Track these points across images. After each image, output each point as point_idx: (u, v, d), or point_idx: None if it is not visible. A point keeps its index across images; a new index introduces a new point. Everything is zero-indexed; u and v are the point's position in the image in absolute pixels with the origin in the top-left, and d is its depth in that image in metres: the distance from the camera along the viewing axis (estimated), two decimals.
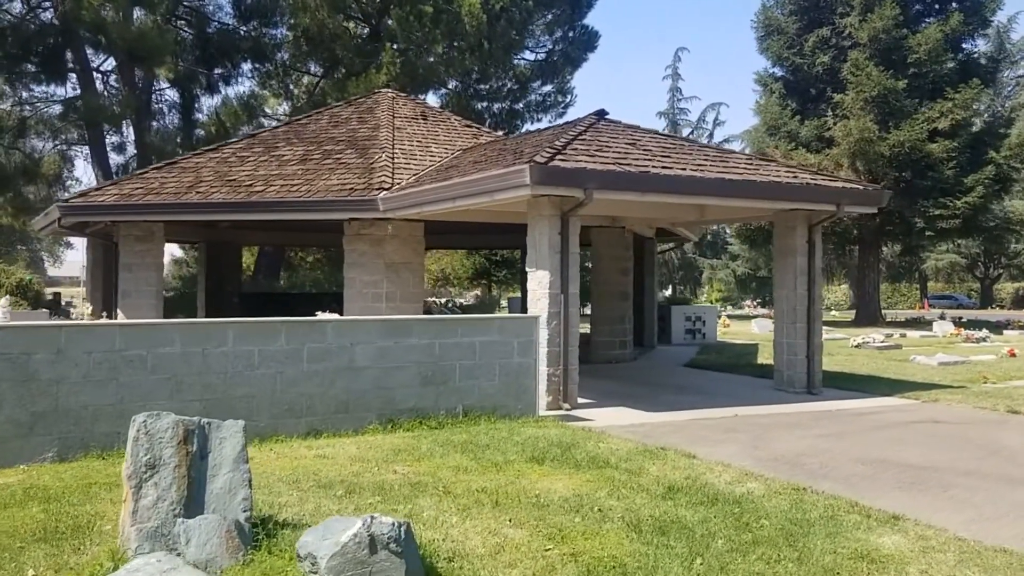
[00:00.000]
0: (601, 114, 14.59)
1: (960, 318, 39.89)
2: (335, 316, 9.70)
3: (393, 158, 16.09)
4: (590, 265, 18.23)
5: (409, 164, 16.10)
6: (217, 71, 36.01)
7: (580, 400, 12.18)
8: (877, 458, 8.41)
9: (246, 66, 36.79)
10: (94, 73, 31.86)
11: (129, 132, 32.18)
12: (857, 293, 35.97)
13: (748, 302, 65.29)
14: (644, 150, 12.70)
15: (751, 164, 13.26)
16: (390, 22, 30.38)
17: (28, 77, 28.99)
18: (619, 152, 12.22)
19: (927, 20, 31.49)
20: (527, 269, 11.79)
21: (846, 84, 30.73)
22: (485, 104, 37.56)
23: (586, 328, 18.28)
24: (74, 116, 27.84)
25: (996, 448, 8.99)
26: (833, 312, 47.55)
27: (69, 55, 30.66)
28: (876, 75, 29.28)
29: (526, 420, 9.98)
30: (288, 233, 25.06)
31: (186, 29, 34.72)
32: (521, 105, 37.07)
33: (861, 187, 13.40)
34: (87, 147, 32.47)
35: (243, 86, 48.35)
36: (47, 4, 28.29)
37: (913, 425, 10.54)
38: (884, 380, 15.16)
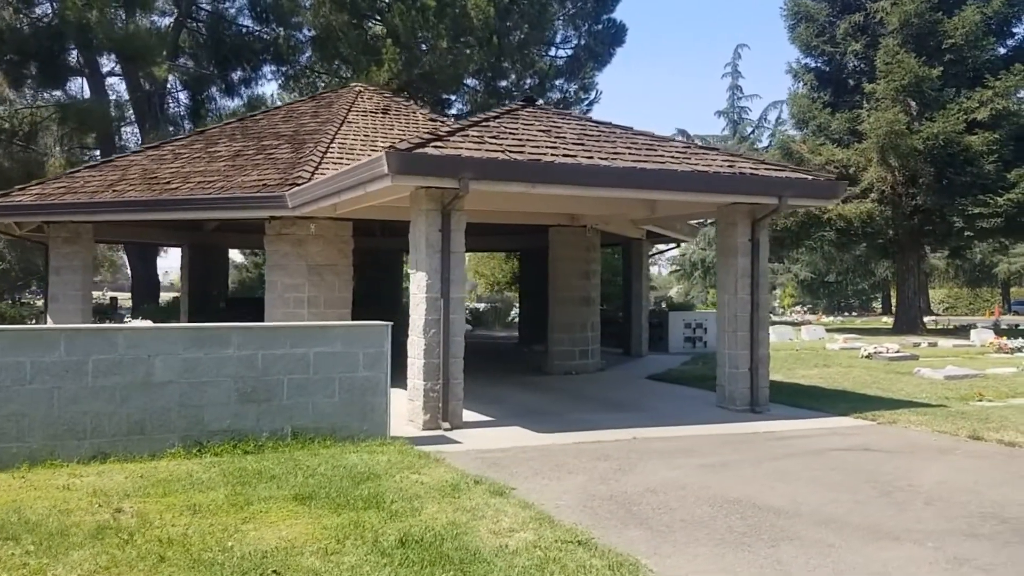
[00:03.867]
0: (530, 101, 13.35)
1: (1017, 325, 37.08)
2: (135, 324, 8.61)
3: (325, 152, 14.97)
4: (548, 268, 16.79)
5: (343, 159, 14.94)
6: (238, 73, 35.58)
7: (477, 417, 10.99)
8: (738, 497, 6.92)
9: (267, 68, 36.37)
10: (104, 77, 31.67)
11: (136, 136, 31.86)
12: (896, 299, 33.54)
13: (798, 307, 62.53)
14: (557, 137, 11.33)
15: (684, 153, 11.75)
16: (394, 18, 29.30)
17: (34, 80, 28.79)
18: (522, 139, 10.87)
19: (965, 3, 28.95)
20: (409, 271, 10.53)
21: (877, 73, 28.57)
22: (505, 102, 36.29)
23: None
24: (73, 120, 27.49)
25: (898, 487, 7.38)
26: (885, 319, 44.81)
27: (80, 58, 30.56)
28: (908, 62, 27.05)
29: (370, 443, 8.72)
30: None
31: (201, 31, 34.35)
32: (540, 103, 35.66)
33: (809, 177, 11.76)
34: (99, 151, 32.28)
35: (263, 88, 48.14)
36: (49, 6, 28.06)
37: (831, 453, 8.95)
38: (857, 396, 13.46)
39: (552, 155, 10.35)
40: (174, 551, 5.23)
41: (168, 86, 33.88)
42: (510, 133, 11.08)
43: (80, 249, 15.58)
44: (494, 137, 10.70)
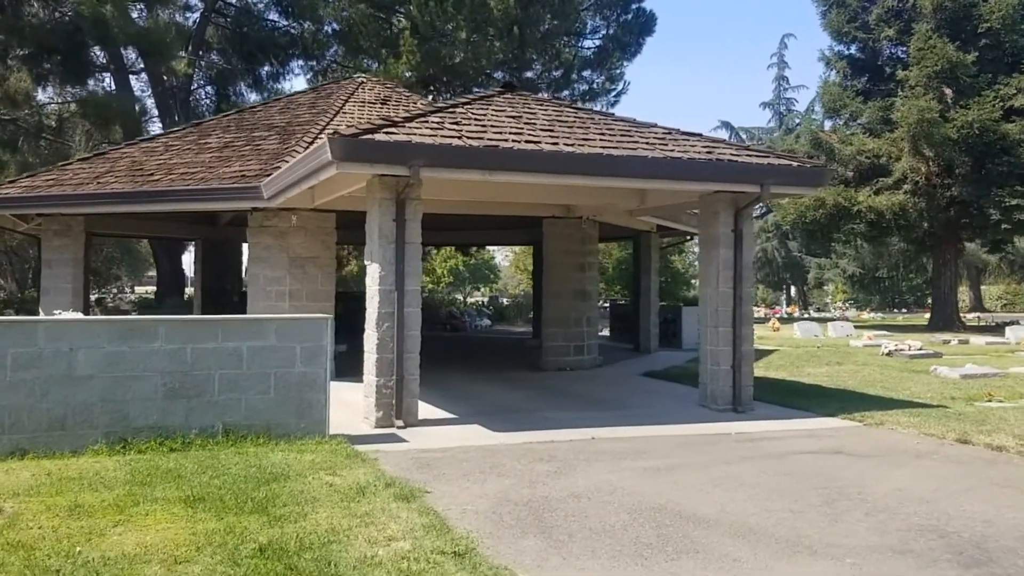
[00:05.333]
0: (509, 87, 12.91)
1: None
2: (60, 316, 8.36)
3: (311, 143, 14.64)
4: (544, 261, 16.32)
5: None
6: (266, 68, 35.65)
7: (441, 415, 10.65)
8: (664, 504, 6.43)
9: (295, 63, 36.39)
10: (130, 73, 31.87)
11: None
12: (933, 295, 32.34)
13: (840, 304, 61.00)
14: (526, 124, 10.88)
15: (662, 140, 11.19)
16: (412, 10, 28.95)
17: (56, 76, 29.04)
18: (485, 125, 10.44)
19: None
20: (365, 262, 10.17)
21: (910, 60, 27.50)
22: (542, 95, 35.76)
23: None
24: (92, 115, 27.71)
25: (847, 495, 6.81)
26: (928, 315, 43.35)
27: (106, 54, 30.81)
28: (941, 48, 25.95)
29: (306, 441, 8.38)
30: None
31: (227, 26, 34.39)
32: (565, 94, 35.06)
33: (794, 164, 11.13)
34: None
35: (292, 83, 48.31)
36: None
37: (795, 457, 8.38)
38: (855, 396, 12.79)
39: (513, 141, 9.90)
40: (17, 556, 4.92)
41: (195, 81, 34.01)
42: (475, 119, 10.66)
43: (70, 242, 15.50)
44: (455, 123, 10.29)
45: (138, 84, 33.53)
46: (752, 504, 6.52)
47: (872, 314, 49.90)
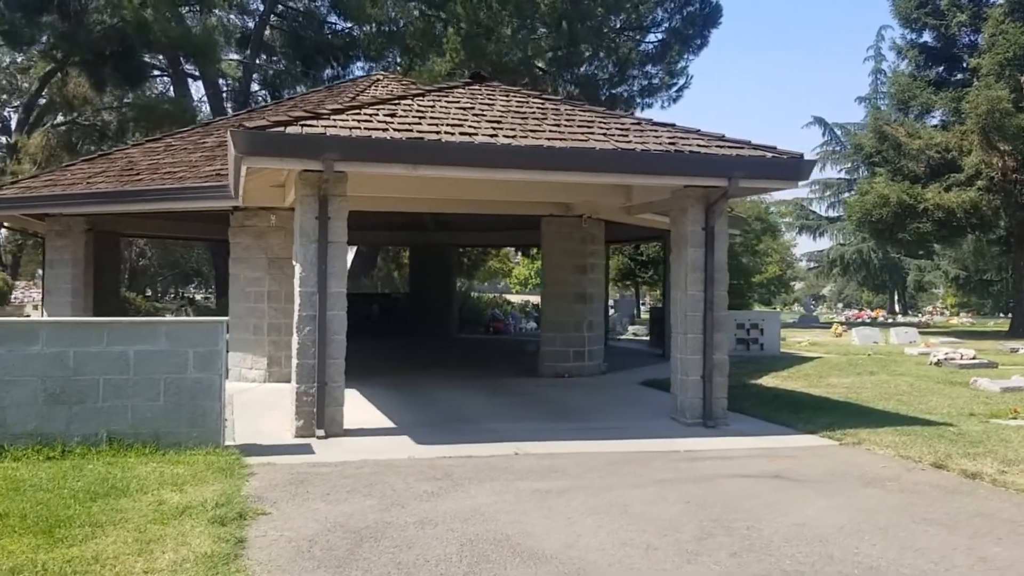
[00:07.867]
0: (477, 78, 12.24)
1: None
2: None
3: None
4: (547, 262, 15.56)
5: None
6: (327, 71, 35.81)
7: (381, 423, 10.20)
8: (508, 536, 5.68)
9: (357, 65, 36.46)
10: (187, 76, 32.40)
11: None
12: (1014, 299, 30.03)
13: (931, 308, 57.82)
14: (475, 115, 10.20)
15: (625, 131, 10.32)
16: (456, 6, 28.47)
17: (112, 81, 29.65)
18: (423, 118, 9.80)
19: None
20: (293, 262, 9.67)
21: (981, 47, 25.55)
22: (578, 90, 34.78)
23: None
24: (141, 118, 28.26)
25: (733, 528, 5.91)
26: None
27: (164, 58, 31.41)
28: (1013, 33, 23.98)
29: (195, 451, 7.90)
30: None
31: (284, 28, 34.65)
32: (622, 90, 33.99)
33: (768, 155, 10.08)
34: None
35: None
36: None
37: (719, 481, 7.47)
38: (857, 410, 11.64)
39: (446, 134, 9.23)
40: None
41: (255, 83, 34.34)
42: (417, 111, 10.05)
43: (70, 243, 15.51)
44: (391, 115, 9.69)
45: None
46: (612, 537, 5.70)
47: (963, 319, 46.98)
